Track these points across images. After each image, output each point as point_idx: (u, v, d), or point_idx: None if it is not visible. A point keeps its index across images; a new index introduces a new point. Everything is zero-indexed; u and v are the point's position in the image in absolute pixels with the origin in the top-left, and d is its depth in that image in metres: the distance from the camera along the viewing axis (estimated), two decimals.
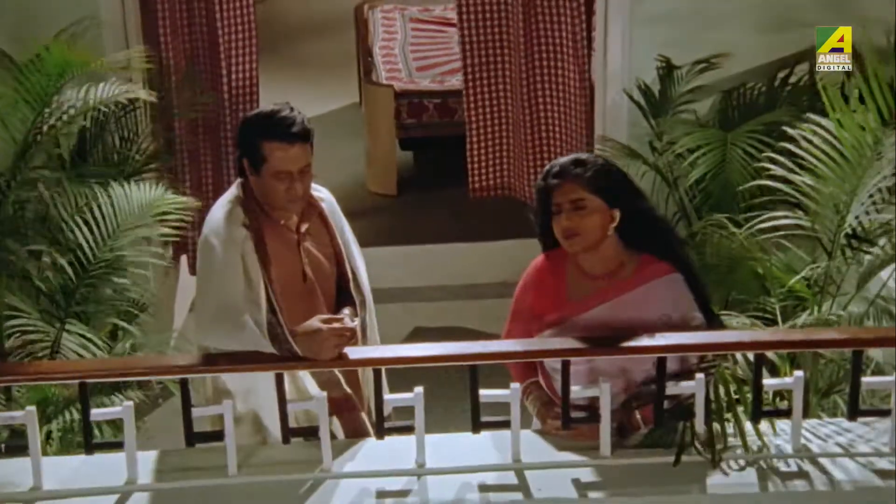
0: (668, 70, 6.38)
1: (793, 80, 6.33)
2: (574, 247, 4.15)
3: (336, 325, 4.08)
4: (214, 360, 4.11)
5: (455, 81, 8.86)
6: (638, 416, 4.24)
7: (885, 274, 4.98)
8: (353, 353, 4.13)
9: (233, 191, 4.37)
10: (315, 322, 4.08)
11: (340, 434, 4.42)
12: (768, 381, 4.12)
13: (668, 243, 4.23)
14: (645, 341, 4.04)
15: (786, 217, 4.86)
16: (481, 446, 4.22)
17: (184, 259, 7.10)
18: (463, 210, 8.36)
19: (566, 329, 4.16)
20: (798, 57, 6.34)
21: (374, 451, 4.25)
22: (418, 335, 7.12)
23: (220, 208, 4.33)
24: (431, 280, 7.81)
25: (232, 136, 6.72)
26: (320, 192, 4.51)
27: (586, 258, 4.19)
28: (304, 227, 4.42)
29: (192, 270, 7.05)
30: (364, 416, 4.55)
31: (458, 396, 4.40)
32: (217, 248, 4.21)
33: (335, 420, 4.38)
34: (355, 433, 4.46)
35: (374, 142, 8.80)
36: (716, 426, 4.09)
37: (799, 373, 4.08)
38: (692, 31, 6.39)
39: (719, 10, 6.40)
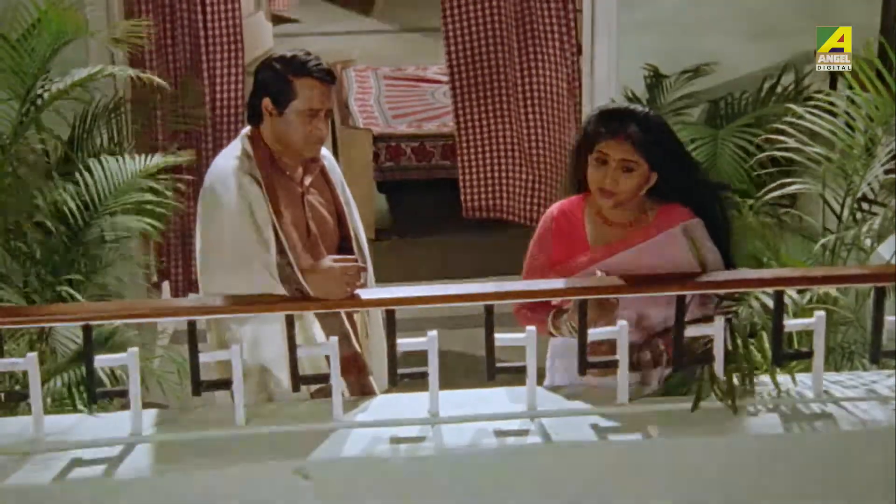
0: (655, 79, 6.36)
1: (779, 90, 6.34)
2: (609, 204, 4.06)
3: (347, 263, 3.97)
4: (222, 302, 3.98)
5: (432, 126, 8.86)
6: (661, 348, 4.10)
7: (884, 252, 4.94)
8: (366, 293, 4.03)
9: (237, 143, 4.29)
10: (326, 261, 3.99)
11: (347, 395, 4.27)
12: (790, 322, 4.02)
13: (693, 191, 4.13)
14: (664, 280, 3.96)
15: (794, 183, 4.81)
16: (495, 399, 4.11)
17: (166, 285, 6.98)
18: (442, 251, 8.28)
19: (589, 276, 4.06)
20: (784, 66, 6.36)
21: (384, 406, 4.13)
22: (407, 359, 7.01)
23: (224, 158, 4.25)
24: (413, 313, 7.69)
25: (215, 152, 6.65)
26: (321, 150, 4.45)
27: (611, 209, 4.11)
28: (307, 181, 4.35)
29: (175, 295, 6.94)
30: (371, 378, 4.43)
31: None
32: (223, 194, 4.13)
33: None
34: (362, 395, 4.33)
35: (351, 187, 8.69)
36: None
37: (821, 313, 3.99)
38: (679, 40, 6.39)
39: (706, 20, 6.41)
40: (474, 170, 7.41)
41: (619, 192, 4.00)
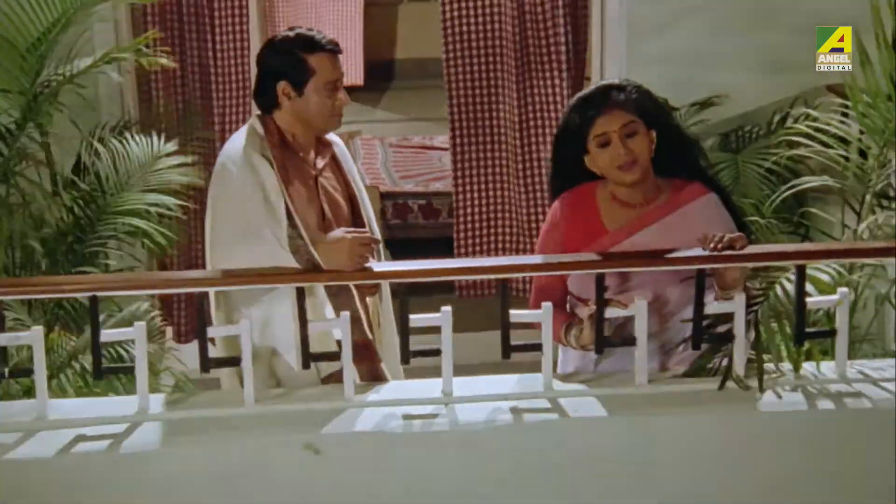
0: None
1: (789, 122, 6.30)
2: (634, 176, 3.98)
3: (360, 234, 3.90)
4: (232, 274, 3.89)
5: (439, 186, 8.81)
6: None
7: None
8: (379, 266, 3.95)
9: (249, 125, 4.24)
10: (339, 232, 3.92)
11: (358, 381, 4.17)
12: (812, 300, 3.93)
13: (696, 163, 4.11)
14: (683, 254, 3.87)
15: (811, 181, 4.78)
16: (509, 383, 4.01)
17: (169, 330, 6.88)
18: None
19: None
20: (795, 99, 6.33)
21: (396, 389, 4.05)
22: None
23: (237, 138, 4.21)
24: (423, 363, 7.59)
25: None
26: (331, 136, 4.40)
27: (627, 187, 4.04)
28: (320, 163, 4.30)
29: (178, 338, 6.83)
30: (383, 366, 4.33)
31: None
32: (235, 172, 4.09)
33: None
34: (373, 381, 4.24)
35: None
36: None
37: (844, 289, 3.90)
38: (689, 73, 6.37)
39: (717, 53, 6.39)
40: (470, 249, 7.19)
41: (638, 157, 3.95)
